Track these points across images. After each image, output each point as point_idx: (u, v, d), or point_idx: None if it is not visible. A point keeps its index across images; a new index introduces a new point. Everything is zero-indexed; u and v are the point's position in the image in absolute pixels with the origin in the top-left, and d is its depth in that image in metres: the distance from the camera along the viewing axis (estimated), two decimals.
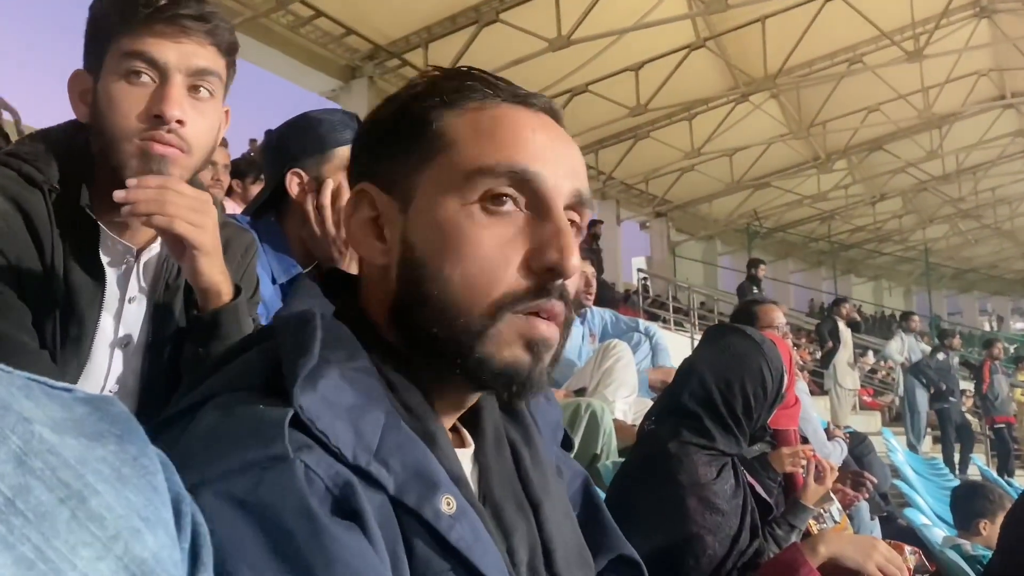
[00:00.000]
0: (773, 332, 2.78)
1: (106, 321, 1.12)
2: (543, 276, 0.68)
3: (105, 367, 1.13)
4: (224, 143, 3.51)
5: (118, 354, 1.14)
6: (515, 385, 0.68)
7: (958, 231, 23.19)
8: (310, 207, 1.61)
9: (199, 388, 0.65)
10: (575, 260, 0.68)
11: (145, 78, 1.07)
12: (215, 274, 1.10)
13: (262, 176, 3.32)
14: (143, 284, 1.17)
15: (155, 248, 1.17)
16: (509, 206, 0.68)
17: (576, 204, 0.72)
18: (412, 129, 0.72)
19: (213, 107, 1.13)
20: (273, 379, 0.61)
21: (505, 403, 0.79)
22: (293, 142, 1.65)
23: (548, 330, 0.69)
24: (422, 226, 0.70)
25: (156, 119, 1.06)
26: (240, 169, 3.80)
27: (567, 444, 0.91)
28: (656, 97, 12.45)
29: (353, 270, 1.58)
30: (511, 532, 0.69)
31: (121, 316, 1.14)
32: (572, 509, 0.81)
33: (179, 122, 1.07)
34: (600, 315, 3.77)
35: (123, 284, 1.14)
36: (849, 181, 18.39)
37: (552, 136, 0.72)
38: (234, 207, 3.21)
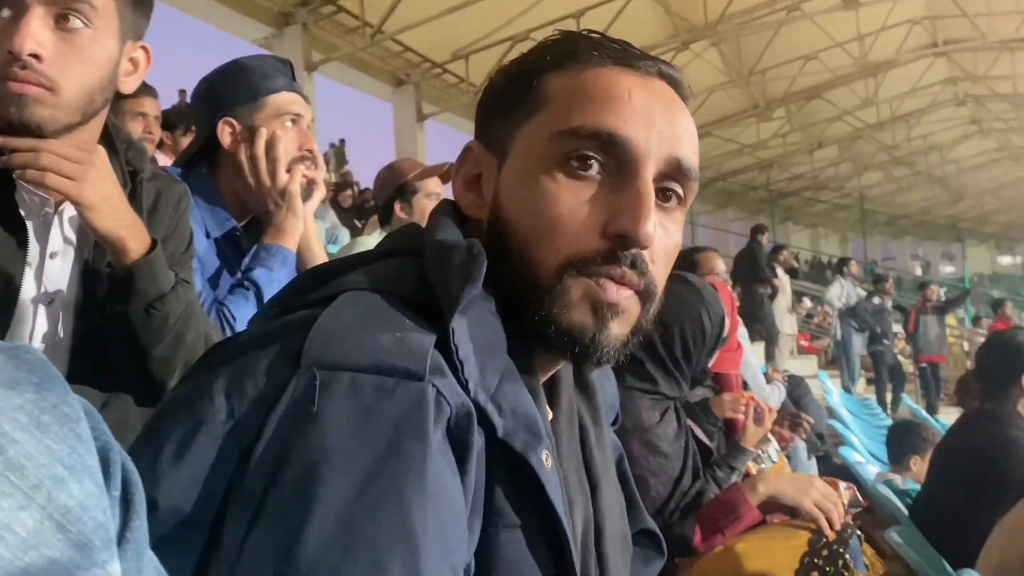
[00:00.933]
0: (714, 278, 2.82)
1: (28, 277, 1.07)
2: (615, 242, 0.66)
3: (30, 325, 1.08)
4: (154, 94, 3.37)
5: (43, 311, 1.09)
6: (578, 347, 0.67)
7: (892, 178, 23.79)
8: (244, 158, 1.56)
9: (332, 283, 0.65)
10: (648, 228, 0.66)
11: (5, 12, 0.99)
12: (112, 228, 1.04)
13: (193, 128, 3.21)
14: (68, 237, 1.12)
15: None
16: (595, 169, 0.68)
17: (673, 173, 0.70)
18: (517, 88, 0.72)
19: (92, 40, 1.03)
20: (421, 293, 0.63)
21: (576, 368, 0.79)
22: (224, 90, 1.59)
23: (618, 295, 0.67)
24: (511, 183, 0.71)
25: (10, 55, 0.97)
26: (170, 120, 3.66)
27: (615, 420, 0.93)
28: None
29: (289, 222, 1.56)
30: (572, 504, 0.70)
31: (43, 272, 1.09)
32: (621, 490, 0.83)
33: (35, 57, 0.98)
34: None
35: (43, 238, 1.09)
36: (787, 130, 18.64)
37: (653, 99, 0.70)
38: (165, 160, 3.10)
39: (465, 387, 0.59)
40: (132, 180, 1.16)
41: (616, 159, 0.67)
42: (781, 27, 13.31)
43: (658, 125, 0.68)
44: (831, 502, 1.74)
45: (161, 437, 0.57)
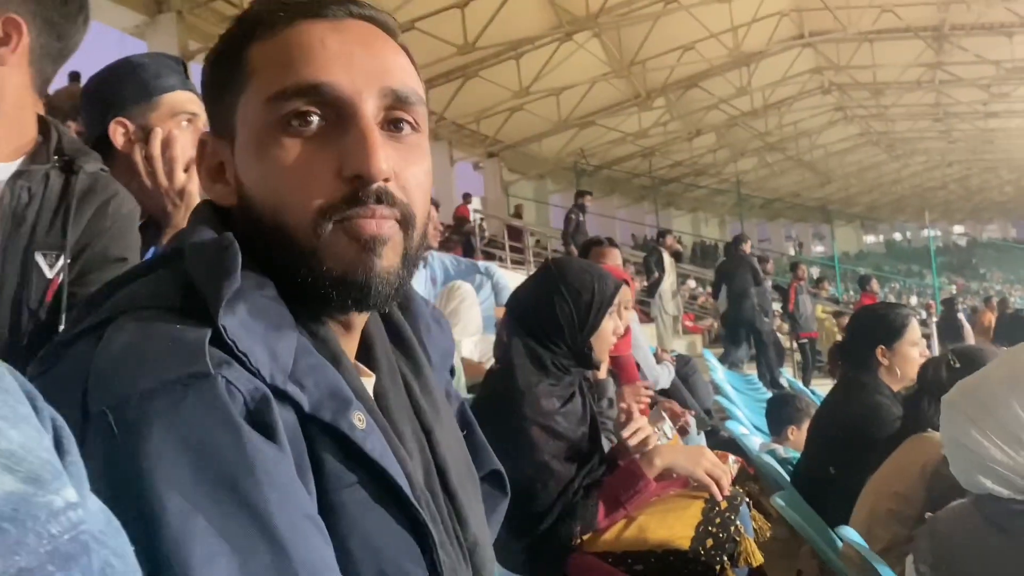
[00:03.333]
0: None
1: None
2: (353, 184, 0.68)
3: None
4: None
5: None
6: (355, 290, 0.69)
7: (765, 163, 24.91)
8: (138, 158, 1.53)
9: (102, 308, 0.65)
10: (378, 163, 0.67)
11: None
12: None
13: (73, 118, 3.06)
14: None
15: None
16: (316, 124, 0.69)
17: (394, 103, 0.71)
18: (225, 69, 0.73)
19: None
20: (188, 299, 0.63)
21: (362, 311, 0.78)
22: (115, 89, 1.55)
23: (379, 227, 0.69)
24: (244, 160, 0.71)
25: None
26: (64, 111, 3.49)
27: (451, 372, 0.95)
28: (483, 35, 12.43)
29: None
30: (408, 457, 0.72)
31: None
32: (460, 431, 0.86)
33: None
34: (441, 260, 3.81)
35: None
36: (668, 118, 19.24)
37: (348, 39, 0.71)
38: None
39: (259, 375, 0.60)
40: (68, 169, 1.16)
41: (331, 107, 0.69)
42: (659, 19, 13.73)
43: (359, 62, 0.70)
44: (720, 470, 1.87)
45: None
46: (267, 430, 0.58)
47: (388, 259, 0.70)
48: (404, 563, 0.65)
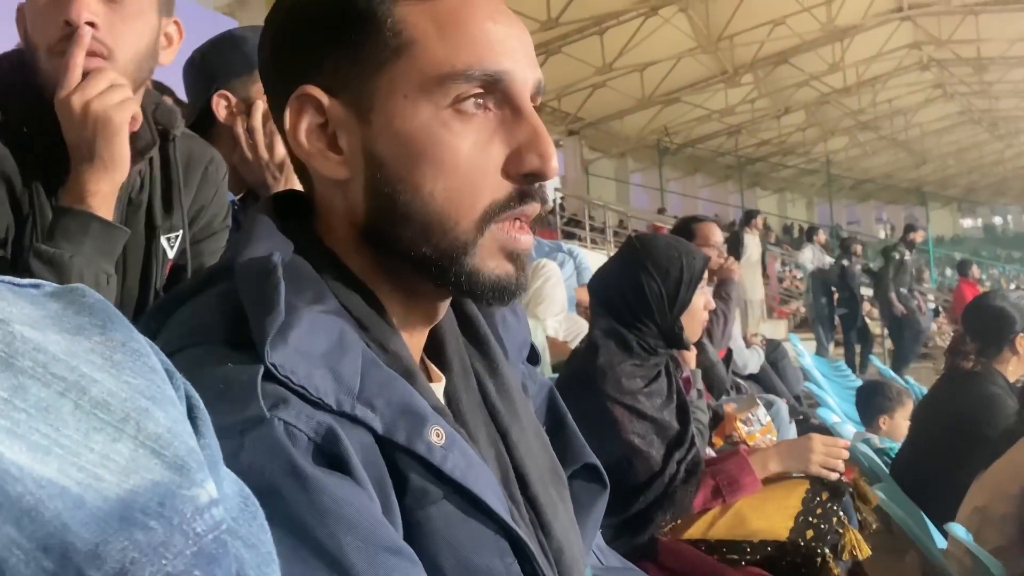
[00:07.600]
0: (710, 250, 2.88)
1: None
2: (524, 180, 0.66)
3: None
4: None
5: None
6: (506, 295, 0.68)
7: (857, 143, 24.00)
8: (240, 130, 1.54)
9: (156, 340, 0.62)
10: (555, 162, 0.66)
11: None
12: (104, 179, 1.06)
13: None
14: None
15: None
16: (479, 107, 0.65)
17: (535, 95, 0.69)
18: (359, 24, 0.65)
19: (136, 11, 1.09)
20: (238, 328, 0.59)
21: (483, 310, 0.80)
22: (218, 62, 1.56)
23: (527, 241, 0.69)
24: (391, 137, 0.65)
25: (67, 25, 1.03)
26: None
27: (534, 358, 0.91)
28: (567, 10, 12.30)
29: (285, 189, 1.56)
30: (485, 460, 0.69)
31: None
32: (541, 427, 0.81)
33: (91, 25, 1.04)
34: None
35: None
36: (755, 95, 18.70)
37: (509, 22, 0.67)
38: None
39: (323, 405, 0.57)
40: (163, 138, 1.20)
41: (499, 95, 0.66)
42: None
43: (522, 50, 0.67)
44: (833, 456, 1.80)
45: None
46: (339, 463, 0.56)
47: (527, 268, 0.70)
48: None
